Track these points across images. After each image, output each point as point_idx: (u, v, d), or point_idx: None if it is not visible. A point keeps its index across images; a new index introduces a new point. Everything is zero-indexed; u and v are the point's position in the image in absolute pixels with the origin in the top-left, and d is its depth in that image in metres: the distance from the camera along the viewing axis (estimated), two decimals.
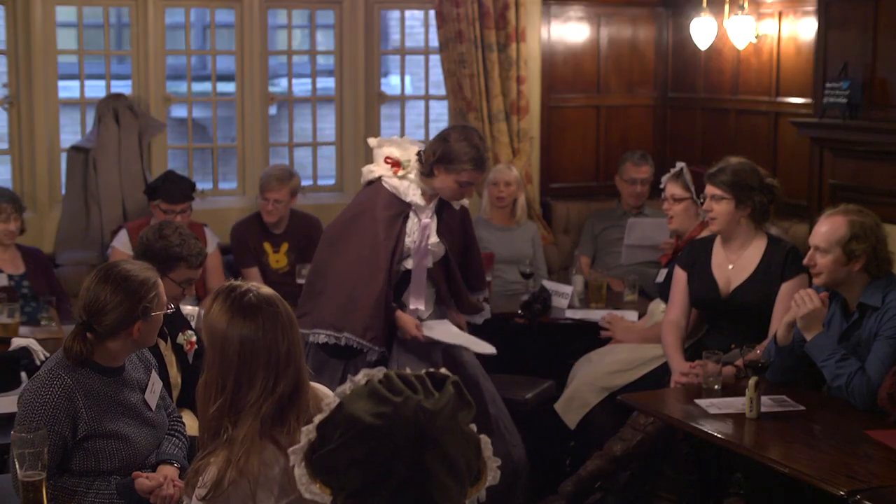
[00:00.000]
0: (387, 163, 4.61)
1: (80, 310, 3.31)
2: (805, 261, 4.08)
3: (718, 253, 4.77)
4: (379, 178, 4.63)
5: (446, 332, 4.70)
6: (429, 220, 4.65)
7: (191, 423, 4.29)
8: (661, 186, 5.32)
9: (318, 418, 1.98)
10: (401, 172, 4.60)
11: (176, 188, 5.83)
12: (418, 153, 4.63)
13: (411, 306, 4.67)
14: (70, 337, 3.27)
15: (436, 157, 4.54)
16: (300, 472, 1.98)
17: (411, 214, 4.62)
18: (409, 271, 4.67)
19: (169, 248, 4.10)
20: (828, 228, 4.00)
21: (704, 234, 5.00)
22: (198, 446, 2.83)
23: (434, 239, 4.67)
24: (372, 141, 4.74)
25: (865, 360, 3.88)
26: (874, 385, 3.81)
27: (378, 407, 1.89)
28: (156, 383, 3.51)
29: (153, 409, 3.45)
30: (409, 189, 4.60)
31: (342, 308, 4.51)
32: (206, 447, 2.74)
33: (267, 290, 2.84)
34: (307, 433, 1.99)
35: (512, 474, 4.68)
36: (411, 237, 4.61)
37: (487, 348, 4.68)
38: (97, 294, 3.26)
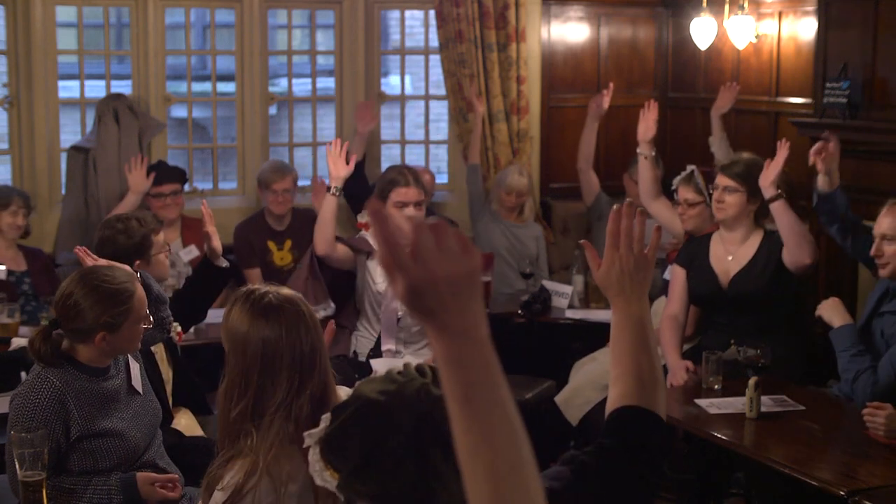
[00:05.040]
0: None
1: (51, 307, 3.26)
2: (872, 252, 4.13)
3: (717, 247, 4.79)
4: None
5: None
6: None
7: (188, 423, 4.29)
8: (673, 188, 5.30)
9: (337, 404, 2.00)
10: None
11: (164, 172, 5.92)
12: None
13: None
14: (38, 336, 3.21)
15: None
16: (314, 456, 1.97)
17: None
18: None
19: (134, 234, 4.13)
20: (894, 218, 4.07)
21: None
22: (216, 451, 2.74)
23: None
24: None
25: (879, 361, 3.91)
26: (880, 386, 3.83)
27: (384, 385, 1.91)
28: (133, 366, 3.45)
29: (141, 391, 3.40)
30: None
31: None
32: (226, 452, 2.67)
33: (287, 290, 2.79)
34: (325, 419, 1.99)
35: None
36: None
37: None
38: (69, 293, 3.21)
